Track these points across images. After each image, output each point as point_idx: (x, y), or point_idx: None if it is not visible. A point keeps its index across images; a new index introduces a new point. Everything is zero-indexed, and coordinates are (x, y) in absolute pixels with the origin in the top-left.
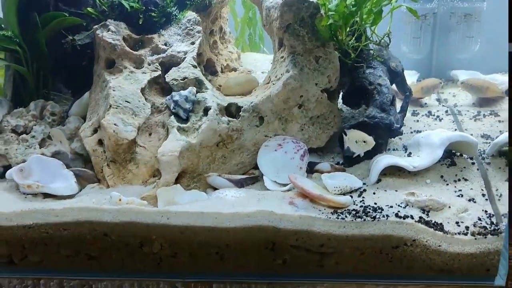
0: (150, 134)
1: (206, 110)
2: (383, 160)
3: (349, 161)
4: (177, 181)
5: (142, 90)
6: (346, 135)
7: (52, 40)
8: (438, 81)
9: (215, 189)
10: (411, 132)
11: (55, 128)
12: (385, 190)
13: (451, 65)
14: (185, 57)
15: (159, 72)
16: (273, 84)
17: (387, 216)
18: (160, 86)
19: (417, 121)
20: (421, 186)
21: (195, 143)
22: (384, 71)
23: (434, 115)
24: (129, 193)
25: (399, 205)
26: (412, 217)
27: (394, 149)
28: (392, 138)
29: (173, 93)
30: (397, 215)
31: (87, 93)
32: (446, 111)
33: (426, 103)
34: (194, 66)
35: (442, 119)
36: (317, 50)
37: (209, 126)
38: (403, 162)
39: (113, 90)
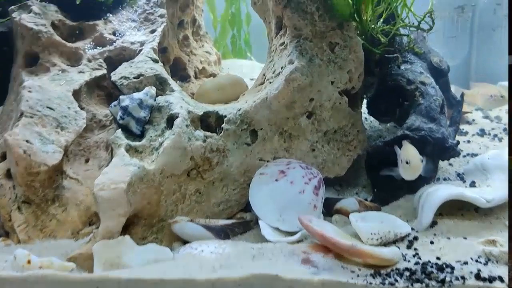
0: (87, 160)
1: (170, 120)
2: (440, 193)
3: (381, 194)
4: (125, 230)
5: (76, 94)
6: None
7: None
8: (497, 90)
9: (186, 242)
10: (464, 156)
11: None
12: (448, 238)
13: (496, 74)
14: (142, 49)
15: (104, 71)
16: (270, 82)
17: (463, 278)
18: (106, 92)
19: (468, 141)
20: (499, 230)
21: (153, 169)
22: (425, 68)
23: (489, 134)
24: (50, 251)
25: (477, 261)
26: (501, 280)
27: (444, 179)
28: (445, 160)
29: (121, 97)
30: (478, 277)
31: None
32: (505, 129)
33: (474, 120)
34: (155, 60)
35: (502, 138)
36: (332, 34)
37: (174, 143)
38: (471, 194)
39: (29, 91)
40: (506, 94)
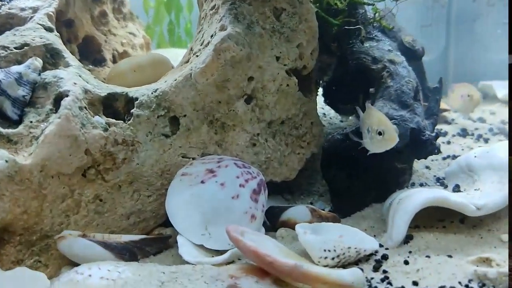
0: None
1: (59, 101)
2: (416, 198)
3: (342, 202)
4: None
5: None
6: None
7: None
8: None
9: (77, 264)
10: (444, 158)
11: None
12: (428, 256)
13: (478, 71)
14: (34, 17)
15: None
16: (197, 56)
17: None
18: None
19: (449, 142)
20: (493, 245)
21: (29, 165)
22: (394, 48)
23: (472, 134)
24: None
25: (467, 286)
26: None
27: (421, 184)
28: (421, 159)
29: None
30: None
31: None
32: (491, 130)
33: (453, 119)
34: (48, 29)
35: (488, 139)
36: None
37: (60, 129)
38: (456, 198)
39: None
40: (476, 93)
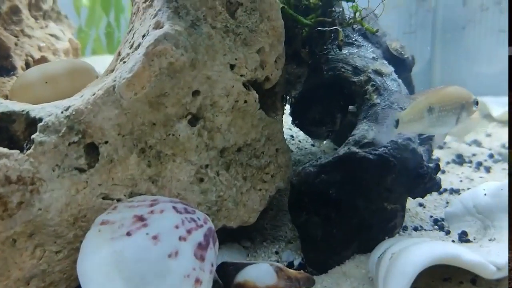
0: None
1: None
2: (416, 253)
3: (316, 253)
4: None
5: None
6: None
7: None
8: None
9: None
10: (440, 193)
11: None
12: None
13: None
14: None
15: None
16: (124, 62)
17: None
18: None
19: (443, 172)
20: None
21: None
22: (379, 55)
23: (470, 161)
24: None
25: None
26: None
27: (415, 228)
28: (417, 197)
29: None
30: None
31: None
32: (491, 156)
33: (445, 143)
34: None
35: (490, 168)
36: None
37: None
38: (471, 256)
39: None
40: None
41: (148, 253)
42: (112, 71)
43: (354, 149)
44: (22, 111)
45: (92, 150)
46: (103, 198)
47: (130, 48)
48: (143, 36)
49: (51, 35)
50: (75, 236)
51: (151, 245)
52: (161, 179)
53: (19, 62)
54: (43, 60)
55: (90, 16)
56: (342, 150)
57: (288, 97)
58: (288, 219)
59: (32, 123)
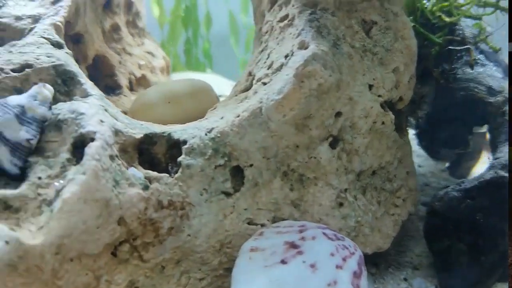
0: None
1: (80, 147)
2: None
3: (456, 282)
4: None
5: None
6: None
7: None
8: None
9: None
10: None
11: None
12: None
13: None
14: (35, 28)
15: None
16: (264, 83)
17: None
18: None
19: None
20: None
21: (40, 246)
22: (502, 73)
23: None
24: None
25: None
26: None
27: None
28: None
29: None
30: None
31: None
32: None
33: None
34: (56, 44)
35: None
36: (367, 7)
37: (86, 192)
38: None
39: None
40: None
41: (307, 282)
42: (242, 91)
43: (502, 173)
44: (163, 132)
45: (237, 173)
46: (248, 223)
47: (268, 69)
48: (286, 56)
49: (148, 52)
50: (219, 262)
51: (310, 274)
52: (303, 204)
53: (123, 81)
54: (143, 78)
55: (171, 32)
56: (489, 174)
57: (411, 118)
58: (413, 244)
59: (173, 145)
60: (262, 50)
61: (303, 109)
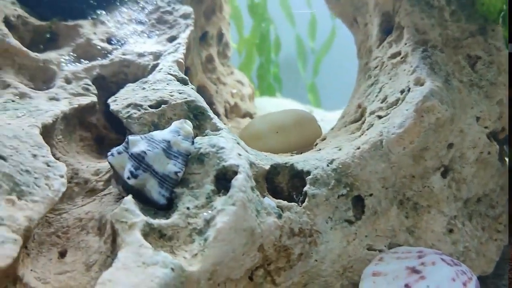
0: (62, 254)
1: (222, 179)
2: None
3: None
4: None
5: (47, 135)
6: None
7: None
8: None
9: None
10: None
11: None
12: None
13: None
14: (158, 64)
15: (93, 98)
16: (380, 117)
17: None
18: (94, 133)
19: None
20: None
21: (197, 272)
22: None
23: None
24: None
25: None
26: None
27: None
28: None
29: (132, 138)
30: None
31: None
32: None
33: None
34: (182, 81)
35: None
36: (471, 43)
37: (236, 222)
38: None
39: None
40: None
41: None
42: (351, 122)
43: None
44: (286, 163)
45: (357, 203)
46: (368, 249)
47: (381, 102)
48: (402, 91)
49: (238, 81)
50: (341, 286)
51: None
52: (417, 230)
53: (221, 109)
54: (235, 106)
55: (247, 58)
56: None
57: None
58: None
59: (295, 175)
60: (372, 84)
61: (421, 142)
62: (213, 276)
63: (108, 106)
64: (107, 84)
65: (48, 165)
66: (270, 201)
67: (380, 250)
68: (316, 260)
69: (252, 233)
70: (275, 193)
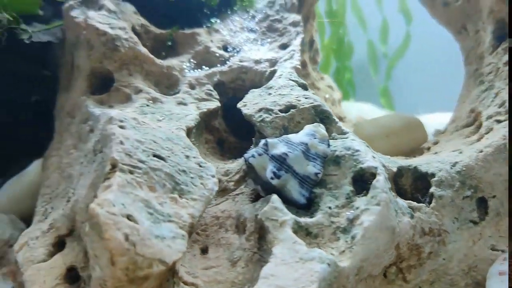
0: (204, 250)
1: (359, 180)
2: None
3: None
4: None
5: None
6: None
7: None
8: None
9: None
10: None
11: None
12: None
13: None
14: (275, 71)
15: (217, 104)
16: (499, 121)
17: None
18: (216, 136)
19: None
20: None
21: (347, 268)
22: None
23: None
24: None
25: None
26: None
27: None
28: None
29: (270, 141)
30: None
31: (35, 163)
32: None
33: None
34: (303, 86)
35: None
36: None
37: (381, 221)
38: None
39: (120, 127)
40: None
41: None
42: (464, 126)
43: None
44: (409, 166)
45: (481, 204)
46: (491, 249)
47: (499, 107)
48: None
49: (328, 86)
50: (465, 285)
51: None
52: None
53: None
54: None
55: (325, 63)
56: None
57: None
58: None
59: (419, 177)
60: (485, 90)
61: None
62: (360, 272)
63: (227, 110)
64: (226, 89)
65: (200, 166)
66: (402, 202)
67: (502, 251)
68: (444, 259)
69: (393, 231)
70: (399, 195)
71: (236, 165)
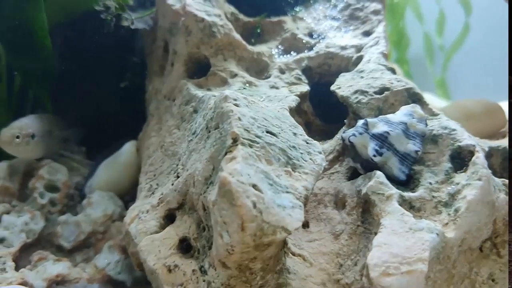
0: (305, 225)
1: (457, 158)
2: None
3: None
4: None
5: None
6: None
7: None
8: None
9: None
10: None
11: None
12: None
13: None
14: (362, 56)
15: (307, 87)
16: None
17: None
18: (304, 120)
19: None
20: None
21: (453, 239)
22: None
23: None
24: None
25: None
26: None
27: None
28: None
29: (370, 120)
30: None
31: (127, 145)
32: None
33: None
34: (392, 70)
35: None
36: None
37: (482, 195)
38: None
39: (235, 105)
40: None
41: None
42: None
43: None
44: (498, 146)
45: None
46: None
47: None
48: None
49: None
50: None
51: None
52: None
53: None
54: None
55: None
56: None
57: None
58: None
59: (507, 158)
60: None
61: None
62: (462, 243)
63: (313, 94)
64: (312, 74)
65: (307, 143)
66: (497, 179)
67: None
68: None
69: (493, 206)
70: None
71: (328, 145)
